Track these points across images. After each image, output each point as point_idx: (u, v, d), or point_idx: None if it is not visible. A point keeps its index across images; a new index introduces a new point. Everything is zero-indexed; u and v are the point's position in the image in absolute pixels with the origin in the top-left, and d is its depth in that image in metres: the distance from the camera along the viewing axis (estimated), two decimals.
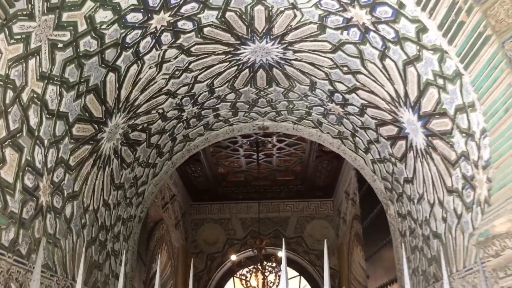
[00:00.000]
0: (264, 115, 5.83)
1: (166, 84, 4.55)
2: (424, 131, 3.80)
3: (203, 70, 4.63)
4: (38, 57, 3.00)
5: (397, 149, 4.59)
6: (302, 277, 12.40)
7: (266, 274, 9.80)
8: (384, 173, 5.20)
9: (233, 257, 10.71)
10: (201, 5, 3.73)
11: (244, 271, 10.12)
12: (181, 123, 5.40)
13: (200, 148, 6.12)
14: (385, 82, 3.99)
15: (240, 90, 5.17)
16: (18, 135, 2.95)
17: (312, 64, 4.51)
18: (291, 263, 11.92)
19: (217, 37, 4.18)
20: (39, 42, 2.96)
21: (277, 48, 4.37)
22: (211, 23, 3.97)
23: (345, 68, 4.31)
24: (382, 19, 3.40)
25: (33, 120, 3.11)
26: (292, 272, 12.14)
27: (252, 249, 10.17)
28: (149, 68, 4.19)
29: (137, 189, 5.42)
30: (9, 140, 2.85)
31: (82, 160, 3.93)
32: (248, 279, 9.86)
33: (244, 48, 4.39)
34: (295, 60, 4.53)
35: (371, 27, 3.57)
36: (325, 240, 2.24)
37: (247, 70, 4.78)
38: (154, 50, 4.03)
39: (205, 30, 4.04)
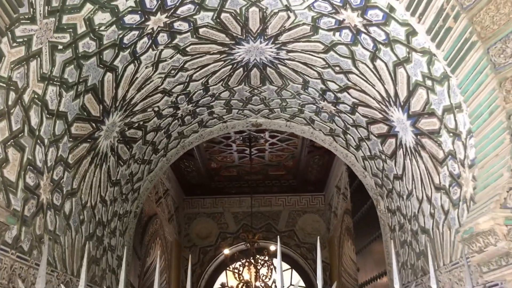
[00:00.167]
0: (257, 112, 5.93)
1: (162, 83, 4.63)
2: (413, 130, 3.92)
3: (198, 69, 4.71)
4: (39, 59, 3.07)
5: (387, 146, 4.72)
6: (293, 270, 12.57)
7: (259, 267, 9.93)
8: (375, 170, 5.33)
9: (226, 251, 10.84)
10: (197, 7, 3.81)
11: (237, 264, 10.24)
12: (176, 121, 5.49)
13: (195, 144, 6.22)
14: (376, 82, 4.11)
15: (234, 88, 5.27)
16: (20, 135, 3.03)
17: (305, 63, 4.62)
18: (283, 256, 11.98)
19: (212, 37, 4.26)
20: (40, 45, 3.04)
21: (270, 48, 4.47)
22: (206, 23, 4.06)
23: (337, 68, 4.42)
24: (373, 22, 3.51)
25: (34, 120, 3.19)
26: (284, 265, 12.28)
27: (244, 243, 10.29)
28: (146, 68, 4.27)
29: (133, 185, 5.51)
30: (12, 140, 2.94)
31: (80, 158, 4.02)
32: (240, 272, 9.98)
33: (239, 48, 4.48)
34: (289, 59, 4.63)
35: (363, 29, 3.68)
36: (318, 238, 2.35)
37: (241, 69, 4.87)
38: (150, 50, 4.11)
39: (201, 30, 4.13)
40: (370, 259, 6.56)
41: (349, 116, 5.07)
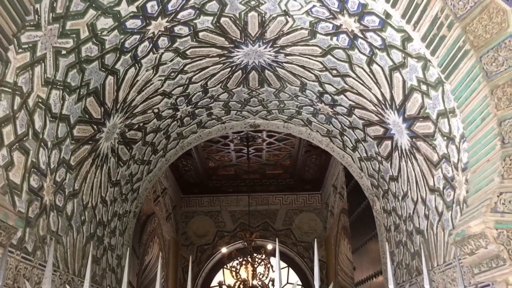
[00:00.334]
0: (255, 113, 6.01)
1: (162, 85, 4.71)
2: (408, 132, 4.01)
3: (197, 71, 4.79)
4: (43, 64, 3.14)
5: (383, 148, 4.80)
6: (290, 268, 12.66)
7: (256, 266, 10.02)
8: (371, 171, 5.42)
9: (224, 250, 10.92)
10: (197, 12, 3.89)
11: (234, 263, 10.32)
12: (175, 122, 5.57)
13: (193, 145, 6.30)
14: (372, 85, 4.20)
15: (232, 90, 5.34)
16: (24, 138, 3.10)
17: (302, 66, 4.69)
18: (279, 254, 12.13)
19: (211, 41, 4.34)
20: (45, 50, 3.11)
21: (269, 51, 4.55)
22: (206, 28, 4.13)
23: (334, 71, 4.51)
24: (370, 27, 3.59)
25: (38, 124, 3.26)
26: (280, 264, 12.34)
27: (242, 241, 10.38)
28: (146, 71, 4.34)
29: (132, 185, 5.59)
30: (17, 144, 3.01)
31: (82, 160, 4.09)
32: (238, 270, 10.06)
33: (238, 51, 4.55)
34: (287, 62, 4.71)
35: (359, 34, 3.76)
36: (315, 240, 2.43)
37: (240, 71, 4.95)
38: (151, 53, 4.18)
39: (201, 34, 4.20)
40: (366, 258, 6.64)
41: (346, 118, 5.15)
